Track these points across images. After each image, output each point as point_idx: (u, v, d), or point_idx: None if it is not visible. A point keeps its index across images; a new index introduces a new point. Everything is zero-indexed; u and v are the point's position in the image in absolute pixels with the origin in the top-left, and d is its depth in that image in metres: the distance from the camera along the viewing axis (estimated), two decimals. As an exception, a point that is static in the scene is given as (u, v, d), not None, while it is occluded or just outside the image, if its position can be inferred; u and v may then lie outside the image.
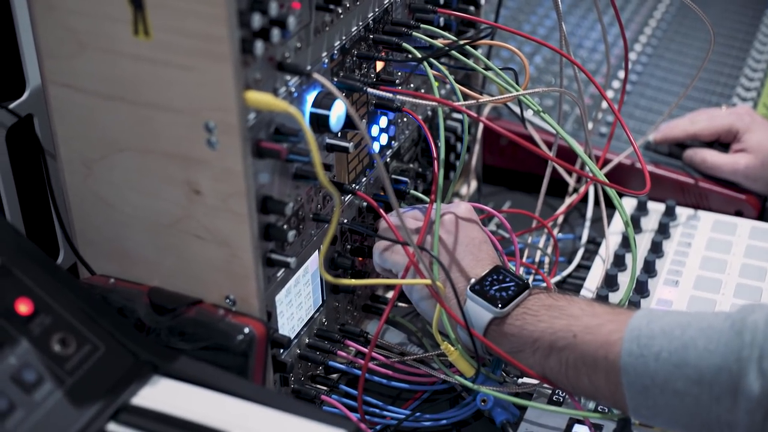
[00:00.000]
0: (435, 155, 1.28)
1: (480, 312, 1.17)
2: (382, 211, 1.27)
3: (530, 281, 1.20)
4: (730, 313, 1.04)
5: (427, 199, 1.29)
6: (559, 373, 1.12)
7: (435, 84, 1.27)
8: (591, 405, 1.27)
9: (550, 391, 1.30)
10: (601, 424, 1.24)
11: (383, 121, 1.36)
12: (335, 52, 1.21)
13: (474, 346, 1.18)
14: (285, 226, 1.14)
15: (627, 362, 1.04)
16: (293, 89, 1.12)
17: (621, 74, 1.91)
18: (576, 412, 1.22)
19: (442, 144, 1.26)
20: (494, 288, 1.18)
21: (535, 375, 1.15)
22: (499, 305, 1.15)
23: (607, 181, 1.29)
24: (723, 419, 1.00)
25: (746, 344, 0.98)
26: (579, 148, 1.28)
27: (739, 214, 1.65)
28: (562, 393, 1.30)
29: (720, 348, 1.00)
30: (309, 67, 1.14)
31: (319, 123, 1.16)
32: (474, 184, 1.70)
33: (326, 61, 1.19)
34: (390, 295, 1.41)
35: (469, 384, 1.23)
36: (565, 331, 1.11)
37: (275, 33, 1.03)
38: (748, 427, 0.99)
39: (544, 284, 1.43)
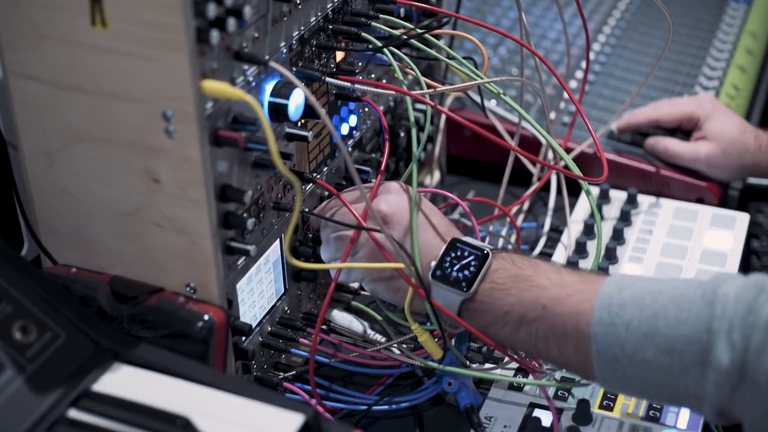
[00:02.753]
0: (386, 130, 1.29)
1: (448, 296, 1.16)
2: (343, 198, 1.27)
3: (486, 242, 1.19)
4: (702, 281, 1.04)
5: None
6: (529, 345, 1.12)
7: (398, 73, 1.27)
8: (558, 375, 1.30)
9: (511, 376, 1.32)
10: (562, 408, 1.26)
11: (344, 112, 1.37)
12: (294, 42, 1.22)
13: (438, 321, 1.18)
14: (244, 215, 1.15)
15: (597, 331, 1.05)
16: (251, 79, 1.13)
17: (584, 65, 1.92)
18: (539, 382, 1.24)
19: (414, 133, 1.26)
20: (455, 268, 1.16)
21: (504, 349, 1.16)
22: (464, 287, 1.14)
23: (571, 161, 1.29)
24: (691, 390, 1.01)
25: (716, 316, 0.99)
26: (542, 130, 1.29)
27: (700, 201, 1.67)
28: (524, 376, 1.31)
29: (690, 318, 1.00)
30: (267, 57, 1.15)
31: (278, 112, 1.17)
32: (437, 174, 1.72)
33: (285, 51, 1.20)
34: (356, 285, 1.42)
35: (434, 365, 1.24)
36: (534, 304, 1.10)
37: (231, 22, 1.04)
38: (716, 399, 1.00)
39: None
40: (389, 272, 1.21)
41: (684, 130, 1.70)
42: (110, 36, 1.04)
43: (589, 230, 1.57)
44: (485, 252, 1.17)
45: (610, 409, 1.26)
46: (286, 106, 1.16)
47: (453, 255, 1.17)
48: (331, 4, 1.28)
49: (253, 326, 1.23)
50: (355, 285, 1.39)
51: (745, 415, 1.00)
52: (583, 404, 1.24)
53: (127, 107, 1.07)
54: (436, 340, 1.24)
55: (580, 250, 1.53)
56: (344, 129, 1.39)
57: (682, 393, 1.02)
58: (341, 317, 1.38)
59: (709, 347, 0.99)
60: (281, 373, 1.30)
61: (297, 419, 0.99)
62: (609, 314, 1.04)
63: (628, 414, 1.26)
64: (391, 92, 1.26)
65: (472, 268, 1.16)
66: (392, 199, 1.23)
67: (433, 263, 1.18)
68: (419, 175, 1.64)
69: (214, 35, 1.02)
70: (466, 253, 1.17)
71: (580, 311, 1.07)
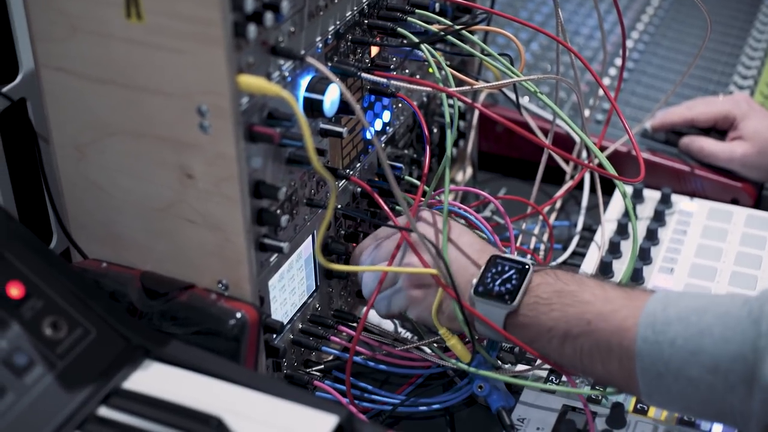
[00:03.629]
0: (427, 140, 1.28)
1: (492, 312, 1.14)
2: (376, 195, 1.26)
3: (527, 258, 1.19)
4: (748, 298, 1.02)
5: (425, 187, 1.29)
6: (574, 360, 1.11)
7: (434, 69, 1.26)
8: (587, 387, 1.27)
9: (544, 376, 1.30)
10: (595, 411, 1.24)
11: (378, 107, 1.36)
12: (329, 36, 1.20)
13: (468, 325, 1.16)
14: (278, 211, 1.14)
15: (642, 348, 1.03)
16: (287, 74, 1.12)
17: (618, 61, 1.90)
18: (572, 390, 1.22)
19: (448, 130, 1.25)
20: (497, 283, 1.14)
21: (552, 363, 1.15)
22: (508, 300, 1.13)
23: (606, 161, 1.27)
24: (737, 408, 0.99)
25: (763, 334, 0.97)
26: (578, 129, 1.27)
27: (735, 202, 1.65)
28: (556, 380, 1.30)
29: (737, 336, 0.99)
30: (303, 52, 1.13)
31: (313, 108, 1.15)
32: (469, 170, 1.70)
33: (320, 45, 1.18)
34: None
35: (465, 367, 1.22)
36: (578, 319, 1.09)
37: (268, 17, 1.03)
38: (763, 418, 0.98)
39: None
40: (431, 298, 1.20)
41: (719, 129, 1.68)
42: (145, 29, 1.03)
43: (622, 230, 1.55)
44: (526, 266, 1.16)
45: (644, 413, 1.25)
46: (321, 102, 1.15)
47: (494, 270, 1.16)
48: (366, -1, 1.27)
49: (285, 324, 1.22)
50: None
51: None
52: (617, 408, 1.22)
53: (161, 101, 1.06)
54: (465, 341, 1.22)
55: (614, 250, 1.51)
56: (378, 125, 1.38)
57: (728, 411, 1.01)
58: (372, 315, 1.37)
59: (756, 365, 0.97)
60: (312, 371, 1.29)
61: (331, 420, 0.98)
62: (654, 332, 1.03)
63: (662, 419, 1.24)
64: (428, 89, 1.25)
65: (514, 281, 1.14)
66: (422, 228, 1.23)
67: (475, 280, 1.16)
68: (451, 172, 1.63)
69: (252, 29, 1.01)
70: (506, 268, 1.16)
71: (624, 328, 1.05)
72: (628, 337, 1.05)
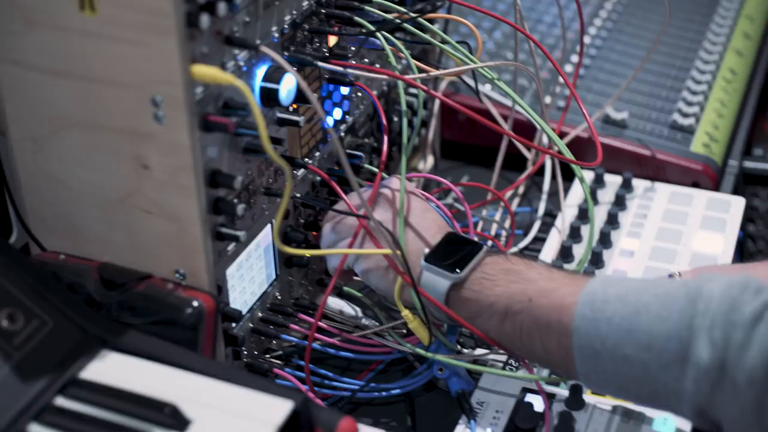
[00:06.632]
0: (385, 128, 1.29)
1: (438, 281, 1.16)
2: (334, 183, 1.27)
3: (480, 227, 1.20)
4: (687, 280, 1.03)
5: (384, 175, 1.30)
6: (514, 338, 1.12)
7: (391, 57, 1.26)
8: (545, 373, 1.28)
9: (503, 360, 1.31)
10: (554, 393, 1.25)
11: (337, 96, 1.36)
12: (286, 26, 1.21)
13: (424, 309, 1.18)
14: (235, 200, 1.14)
15: (579, 325, 1.04)
16: (242, 63, 1.12)
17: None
18: (530, 377, 1.23)
19: (405, 118, 1.26)
20: (448, 254, 1.17)
21: (492, 341, 1.15)
22: (456, 270, 1.15)
23: (563, 146, 1.29)
24: (670, 388, 1.00)
25: (699, 312, 0.98)
26: (535, 115, 1.28)
27: (695, 185, 1.66)
28: (515, 363, 1.30)
29: (673, 315, 0.99)
30: (258, 41, 1.13)
31: (269, 97, 1.16)
32: (431, 159, 1.71)
33: (276, 35, 1.19)
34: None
35: (422, 352, 1.23)
36: (520, 295, 1.11)
37: (221, 7, 1.03)
38: (695, 398, 0.98)
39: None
40: (382, 263, 1.21)
41: None
42: (99, 21, 1.03)
43: (583, 215, 1.56)
44: (480, 244, 1.18)
45: (603, 394, 1.26)
46: (277, 91, 1.15)
47: (447, 244, 1.19)
48: (323, -12, 1.28)
49: (244, 312, 1.23)
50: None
51: (724, 415, 0.98)
52: (576, 389, 1.23)
53: (116, 93, 1.06)
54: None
55: (575, 234, 1.52)
56: (337, 114, 1.38)
57: (662, 391, 1.01)
58: (333, 302, 1.37)
59: (690, 344, 0.98)
60: (272, 359, 1.29)
61: (286, 406, 0.99)
62: (592, 309, 1.04)
63: (621, 400, 1.25)
64: (384, 77, 1.25)
65: (465, 256, 1.16)
66: (383, 195, 1.25)
67: (427, 250, 1.18)
68: (413, 160, 1.64)
69: (204, 19, 1.01)
70: (460, 244, 1.18)
71: (564, 305, 1.07)
72: (567, 314, 1.06)
